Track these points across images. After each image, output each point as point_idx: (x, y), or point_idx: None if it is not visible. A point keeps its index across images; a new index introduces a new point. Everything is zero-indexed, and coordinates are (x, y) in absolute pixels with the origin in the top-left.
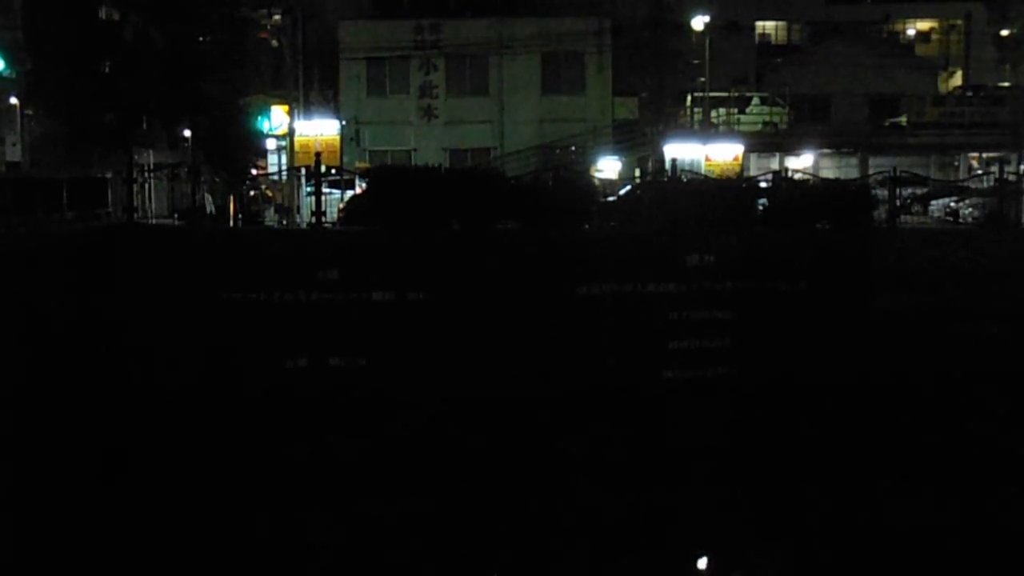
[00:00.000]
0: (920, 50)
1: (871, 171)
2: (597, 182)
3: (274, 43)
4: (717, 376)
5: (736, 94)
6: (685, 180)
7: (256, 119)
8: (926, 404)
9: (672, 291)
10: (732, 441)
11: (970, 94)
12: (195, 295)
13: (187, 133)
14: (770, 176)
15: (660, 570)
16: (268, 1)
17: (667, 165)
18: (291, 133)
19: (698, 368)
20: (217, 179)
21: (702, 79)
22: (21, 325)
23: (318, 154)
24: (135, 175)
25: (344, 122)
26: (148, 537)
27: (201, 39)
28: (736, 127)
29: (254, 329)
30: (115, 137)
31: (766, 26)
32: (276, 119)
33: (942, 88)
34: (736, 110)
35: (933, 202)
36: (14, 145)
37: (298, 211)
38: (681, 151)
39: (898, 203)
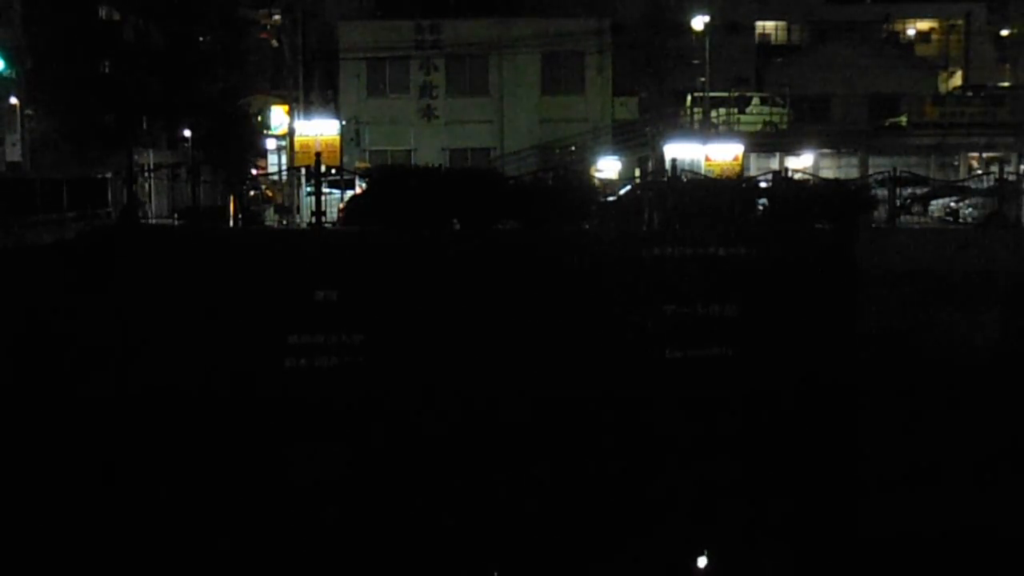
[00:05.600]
0: (920, 50)
1: (871, 171)
2: (597, 182)
3: (274, 43)
4: None
5: (736, 94)
6: (685, 180)
7: (256, 119)
8: None
9: None
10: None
11: (970, 94)
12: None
13: (187, 133)
14: (770, 176)
15: None
16: (268, 1)
17: (667, 165)
18: (291, 133)
19: None
20: (217, 179)
21: (702, 79)
22: (21, 325)
23: (318, 154)
24: (135, 175)
25: (344, 122)
26: None
27: (201, 39)
28: (736, 127)
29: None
30: (115, 137)
31: (766, 26)
32: (276, 119)
33: (942, 88)
34: (736, 110)
35: (933, 202)
36: (14, 145)
37: (298, 211)
38: (681, 151)
39: (898, 203)
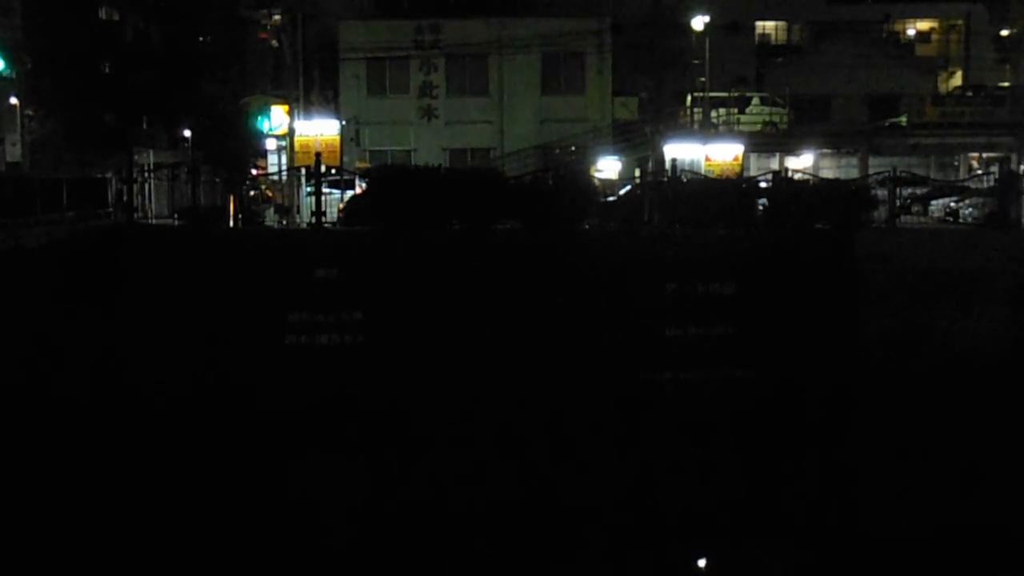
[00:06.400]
0: (920, 50)
1: (871, 171)
2: (597, 182)
3: (274, 43)
4: None
5: (736, 94)
6: (685, 180)
7: (256, 119)
8: None
9: None
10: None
11: (970, 94)
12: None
13: (187, 133)
14: (770, 176)
15: None
16: (268, 1)
17: (667, 165)
18: (291, 133)
19: None
20: (217, 179)
21: (702, 79)
22: (20, 325)
23: (318, 154)
24: (135, 175)
25: (344, 122)
26: None
27: (201, 39)
28: (736, 127)
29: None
30: (115, 137)
31: (766, 26)
32: (276, 119)
33: (942, 88)
34: (736, 110)
35: (933, 202)
36: (14, 145)
37: (298, 211)
38: (681, 151)
39: (898, 203)
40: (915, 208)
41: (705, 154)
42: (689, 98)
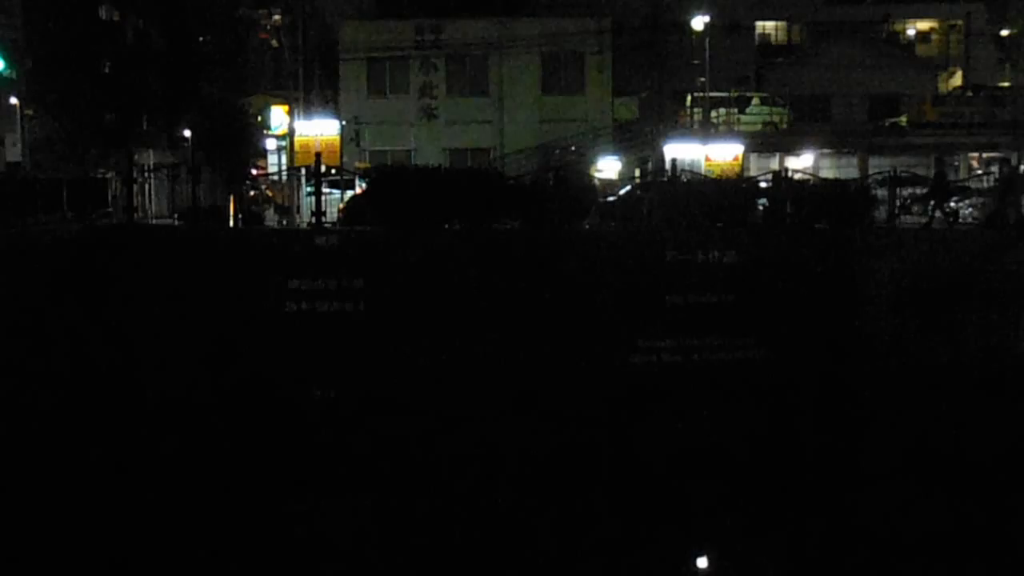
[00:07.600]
0: (920, 50)
1: (871, 171)
2: (597, 182)
3: (274, 43)
4: None
5: (736, 94)
6: (685, 180)
7: (256, 119)
8: None
9: None
10: None
11: (970, 94)
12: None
13: (187, 133)
14: (770, 176)
15: None
16: (268, 1)
17: (667, 165)
18: (291, 133)
19: None
20: (217, 179)
21: (702, 79)
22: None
23: (318, 154)
24: (135, 175)
25: (344, 122)
26: None
27: (201, 39)
28: (736, 127)
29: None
30: (115, 137)
31: (766, 26)
32: (276, 119)
33: (942, 88)
34: (736, 110)
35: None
36: (14, 145)
37: (298, 211)
38: (681, 151)
39: (898, 203)
40: (915, 208)
41: (705, 154)
42: (689, 98)
